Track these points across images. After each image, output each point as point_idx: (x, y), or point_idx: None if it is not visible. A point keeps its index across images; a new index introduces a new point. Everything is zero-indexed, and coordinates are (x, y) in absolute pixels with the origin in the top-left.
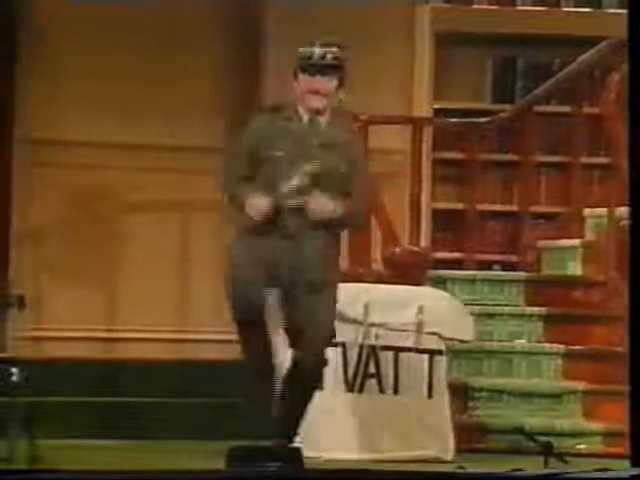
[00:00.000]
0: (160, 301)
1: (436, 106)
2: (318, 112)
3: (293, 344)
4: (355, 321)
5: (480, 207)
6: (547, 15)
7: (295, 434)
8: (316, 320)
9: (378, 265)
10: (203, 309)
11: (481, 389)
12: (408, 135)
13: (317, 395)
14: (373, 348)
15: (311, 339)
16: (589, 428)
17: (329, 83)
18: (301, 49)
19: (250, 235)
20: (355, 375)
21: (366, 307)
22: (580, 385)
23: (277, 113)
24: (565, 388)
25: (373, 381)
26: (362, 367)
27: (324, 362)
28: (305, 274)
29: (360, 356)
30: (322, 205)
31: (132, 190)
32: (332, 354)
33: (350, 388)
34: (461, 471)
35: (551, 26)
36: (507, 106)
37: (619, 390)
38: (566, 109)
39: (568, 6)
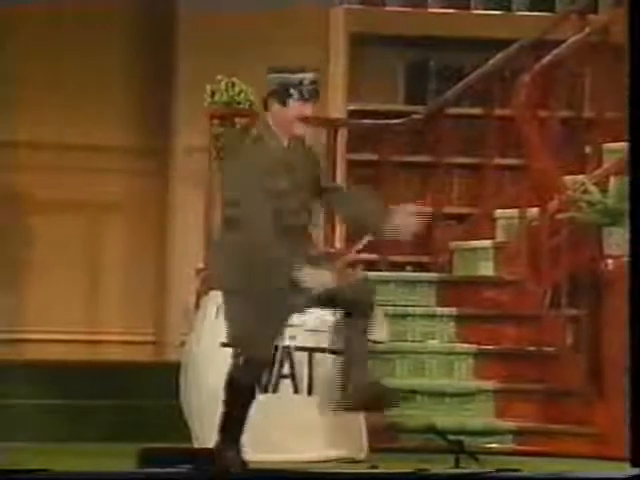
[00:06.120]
0: (70, 302)
1: (350, 107)
2: (300, 138)
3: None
4: None
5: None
6: (458, 18)
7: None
8: None
9: None
10: (112, 310)
11: (394, 389)
12: (323, 136)
13: None
14: (287, 349)
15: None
16: (500, 427)
17: (313, 107)
18: (286, 75)
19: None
20: (269, 376)
21: None
22: (491, 384)
23: (260, 142)
24: (476, 387)
25: (287, 382)
26: (276, 368)
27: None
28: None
29: (274, 357)
30: (319, 280)
31: (42, 190)
32: None
33: (264, 389)
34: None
35: (462, 28)
36: (420, 108)
37: (530, 389)
38: (478, 111)
39: (478, 9)
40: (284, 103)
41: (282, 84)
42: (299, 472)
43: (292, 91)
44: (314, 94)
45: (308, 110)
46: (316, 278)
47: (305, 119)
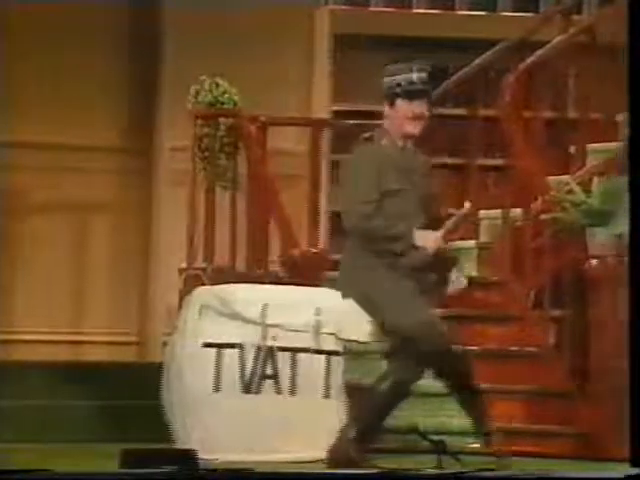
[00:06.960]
0: (55, 302)
1: (335, 108)
2: (412, 138)
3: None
4: (252, 322)
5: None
6: (443, 18)
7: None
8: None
9: (276, 266)
10: (96, 310)
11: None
12: (307, 137)
13: (213, 396)
14: (270, 349)
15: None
16: None
17: (426, 107)
18: (392, 77)
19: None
20: (252, 376)
21: (264, 308)
22: None
23: (377, 143)
24: None
25: (270, 382)
26: (259, 368)
27: None
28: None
29: (257, 357)
30: (432, 240)
31: (27, 190)
32: (229, 355)
33: (246, 389)
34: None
35: (447, 29)
36: None
37: (513, 389)
38: (462, 111)
39: (463, 9)
40: (392, 104)
41: (390, 86)
42: (282, 473)
43: (398, 91)
44: (421, 94)
45: (418, 109)
46: (428, 237)
47: (417, 118)
